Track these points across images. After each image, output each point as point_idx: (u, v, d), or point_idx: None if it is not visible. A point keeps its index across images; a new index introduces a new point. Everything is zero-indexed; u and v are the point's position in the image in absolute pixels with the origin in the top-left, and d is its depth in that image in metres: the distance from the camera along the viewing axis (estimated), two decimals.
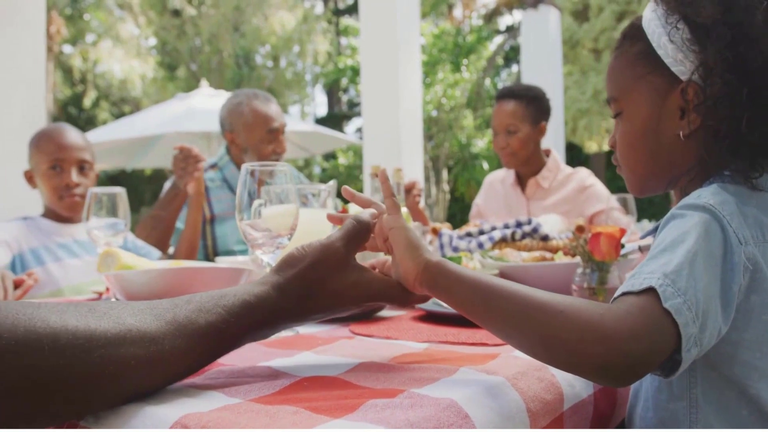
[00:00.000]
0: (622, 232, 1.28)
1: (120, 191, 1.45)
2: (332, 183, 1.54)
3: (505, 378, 0.71)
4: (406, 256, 0.77)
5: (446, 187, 16.24)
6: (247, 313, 0.68)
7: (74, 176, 2.00)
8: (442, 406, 0.60)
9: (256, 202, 1.03)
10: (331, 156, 17.25)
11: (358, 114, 22.07)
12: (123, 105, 16.94)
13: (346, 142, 9.99)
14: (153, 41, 17.91)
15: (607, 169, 15.23)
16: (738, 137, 0.81)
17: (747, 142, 0.81)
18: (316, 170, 18.62)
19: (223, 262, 1.74)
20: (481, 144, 15.82)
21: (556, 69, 6.86)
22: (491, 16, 18.35)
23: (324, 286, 0.74)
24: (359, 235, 0.78)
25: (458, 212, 16.73)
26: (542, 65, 6.68)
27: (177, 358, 0.62)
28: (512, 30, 18.74)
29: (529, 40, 6.91)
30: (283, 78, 18.40)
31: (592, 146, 13.47)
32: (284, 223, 1.05)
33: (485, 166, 15.48)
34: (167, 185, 2.44)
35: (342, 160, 17.03)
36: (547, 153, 2.78)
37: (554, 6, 6.69)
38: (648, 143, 0.92)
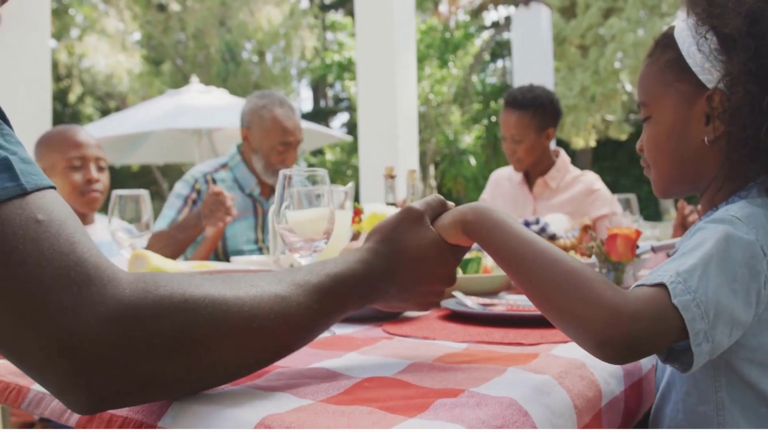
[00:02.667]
0: (638, 233, 1.33)
1: (143, 193, 1.47)
2: (351, 185, 1.57)
3: (552, 377, 0.75)
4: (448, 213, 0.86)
5: (433, 182, 16.26)
6: (347, 274, 0.77)
7: (94, 172, 2.05)
8: (504, 404, 0.63)
9: (283, 205, 1.06)
10: (318, 152, 17.23)
11: (344, 109, 22.04)
12: (108, 100, 16.81)
13: (335, 138, 9.97)
14: (138, 36, 17.79)
15: (593, 165, 15.36)
16: (757, 145, 0.85)
17: (766, 150, 0.85)
18: (302, 166, 18.59)
19: (238, 262, 1.76)
20: (468, 140, 15.88)
21: (547, 66, 6.91)
22: (477, 12, 18.42)
23: (406, 243, 0.82)
24: (435, 203, 0.87)
25: None
26: (533, 62, 6.73)
27: (302, 314, 0.70)
28: (498, 26, 18.81)
29: (520, 38, 6.96)
30: (270, 73, 18.34)
31: (578, 142, 13.57)
32: (313, 228, 1.07)
33: (472, 161, 15.55)
34: (178, 187, 2.46)
35: (329, 156, 17.03)
36: (556, 153, 2.82)
37: (545, 3, 6.76)
38: (674, 147, 0.96)
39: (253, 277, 0.69)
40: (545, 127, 2.68)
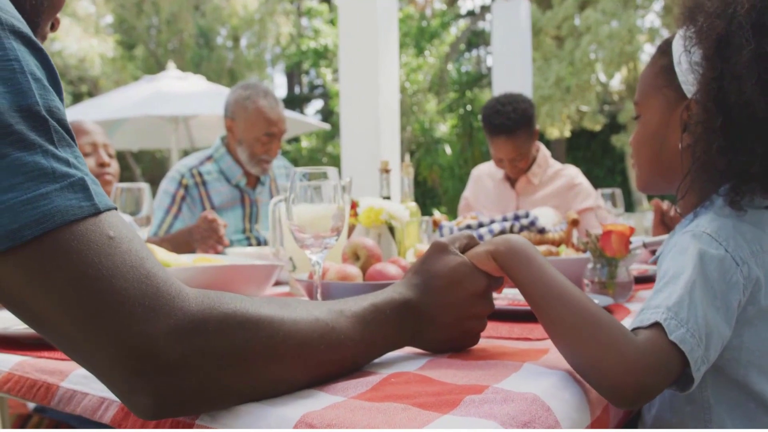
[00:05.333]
0: (631, 230, 1.37)
1: (144, 186, 1.48)
2: (349, 179, 1.59)
3: (567, 372, 0.78)
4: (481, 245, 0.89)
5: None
6: (386, 303, 0.81)
7: (105, 157, 2.14)
8: (528, 400, 0.66)
9: (290, 202, 1.07)
10: (293, 139, 17.13)
11: (318, 96, 21.93)
12: (80, 84, 16.51)
13: (311, 126, 9.90)
14: (110, 19, 17.47)
15: (567, 155, 15.52)
16: (709, 161, 0.90)
17: (715, 167, 0.90)
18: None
19: (234, 254, 1.77)
20: (443, 128, 15.92)
21: (526, 58, 6.96)
22: (453, 1, 18.43)
23: (436, 270, 0.87)
24: (462, 236, 0.93)
25: (420, 196, 16.85)
26: (512, 54, 6.79)
27: (347, 345, 0.75)
28: (474, 15, 18.86)
29: (499, 30, 6.99)
30: (244, 59, 18.15)
31: (553, 132, 13.68)
32: (321, 225, 1.08)
33: (448, 150, 15.60)
34: (165, 184, 2.46)
35: (305, 143, 16.95)
36: (537, 148, 2.86)
37: None
38: (654, 147, 1.03)
39: (307, 304, 0.74)
40: (533, 130, 2.73)
